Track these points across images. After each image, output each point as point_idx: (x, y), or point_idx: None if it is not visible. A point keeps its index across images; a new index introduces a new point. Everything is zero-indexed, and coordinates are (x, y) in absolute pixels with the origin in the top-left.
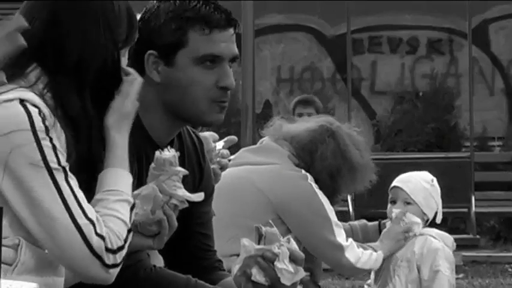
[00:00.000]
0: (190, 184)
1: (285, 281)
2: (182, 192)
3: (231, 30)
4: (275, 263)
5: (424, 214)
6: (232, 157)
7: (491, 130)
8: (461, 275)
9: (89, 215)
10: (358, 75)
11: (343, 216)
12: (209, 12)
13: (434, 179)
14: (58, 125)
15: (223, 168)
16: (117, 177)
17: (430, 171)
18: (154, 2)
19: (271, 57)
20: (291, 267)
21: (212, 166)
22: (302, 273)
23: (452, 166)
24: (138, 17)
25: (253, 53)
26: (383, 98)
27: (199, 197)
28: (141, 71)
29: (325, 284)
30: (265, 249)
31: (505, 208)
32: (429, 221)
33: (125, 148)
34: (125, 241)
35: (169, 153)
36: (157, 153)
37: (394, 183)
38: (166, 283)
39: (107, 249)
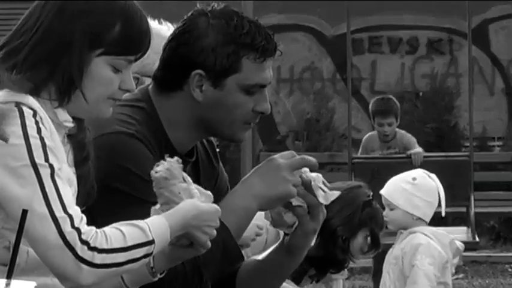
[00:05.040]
0: (209, 189)
1: (323, 200)
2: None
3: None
4: (312, 182)
5: (412, 215)
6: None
7: (491, 130)
8: (461, 275)
9: (69, 210)
10: (358, 75)
11: None
12: (263, 41)
13: (418, 177)
14: (59, 136)
15: None
16: (155, 220)
17: (430, 171)
18: (199, 16)
19: None
20: (326, 188)
21: None
22: (336, 193)
23: (452, 166)
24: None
25: None
26: None
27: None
28: (179, 86)
29: None
30: (301, 172)
31: (504, 208)
32: (423, 218)
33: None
34: (113, 250)
35: (160, 170)
36: (152, 172)
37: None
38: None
39: (82, 241)
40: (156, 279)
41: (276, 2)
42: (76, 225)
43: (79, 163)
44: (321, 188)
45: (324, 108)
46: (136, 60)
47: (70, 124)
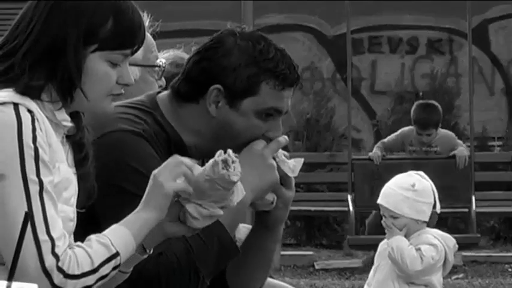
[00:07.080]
0: None
1: (291, 173)
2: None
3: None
4: (277, 159)
5: (417, 220)
6: None
7: (491, 130)
8: (461, 275)
9: (52, 233)
10: (358, 75)
11: (343, 216)
12: (285, 70)
13: (416, 182)
14: (57, 136)
15: None
16: (115, 230)
17: (430, 171)
18: (228, 35)
19: None
20: (287, 159)
21: None
22: (300, 160)
23: (452, 166)
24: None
25: None
26: (383, 98)
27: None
28: (195, 99)
29: (325, 284)
30: None
31: (505, 208)
32: (426, 220)
33: (142, 221)
34: (83, 275)
35: (237, 174)
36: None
37: (379, 199)
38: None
39: (59, 269)
40: (146, 256)
41: (276, 2)
42: (56, 251)
43: (79, 163)
44: (284, 161)
45: (324, 108)
46: (133, 53)
47: (68, 124)
